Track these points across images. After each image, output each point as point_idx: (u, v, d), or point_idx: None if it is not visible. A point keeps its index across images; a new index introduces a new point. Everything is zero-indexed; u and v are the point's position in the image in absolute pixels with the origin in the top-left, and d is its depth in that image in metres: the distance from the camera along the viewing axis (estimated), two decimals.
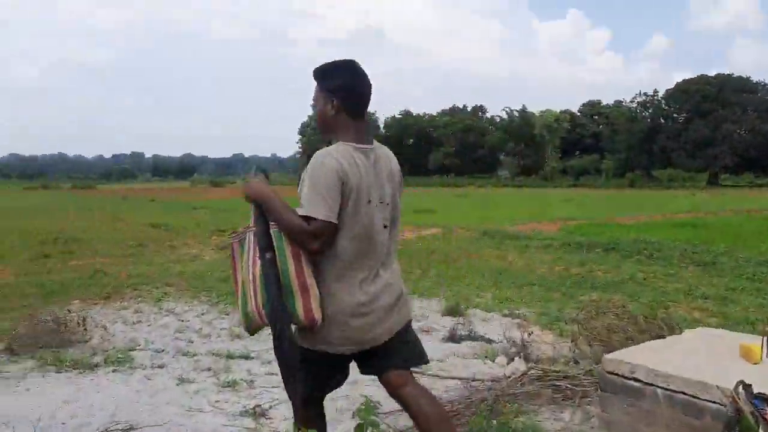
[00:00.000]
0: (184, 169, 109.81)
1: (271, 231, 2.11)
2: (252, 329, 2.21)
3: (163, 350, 4.83)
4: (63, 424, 3.41)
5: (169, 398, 3.79)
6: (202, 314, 6.05)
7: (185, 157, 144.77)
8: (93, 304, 6.62)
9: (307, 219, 2.07)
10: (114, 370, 4.33)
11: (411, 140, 72.66)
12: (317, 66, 2.26)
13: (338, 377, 2.36)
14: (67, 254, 10.85)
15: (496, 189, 48.70)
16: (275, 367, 4.34)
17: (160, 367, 4.41)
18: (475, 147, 67.78)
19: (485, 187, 51.88)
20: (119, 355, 4.61)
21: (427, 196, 31.94)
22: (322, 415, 2.45)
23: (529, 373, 3.88)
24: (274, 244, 2.09)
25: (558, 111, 65.05)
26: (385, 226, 2.23)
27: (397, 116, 74.72)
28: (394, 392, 2.31)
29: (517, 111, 65.99)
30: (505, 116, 67.84)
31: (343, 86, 2.20)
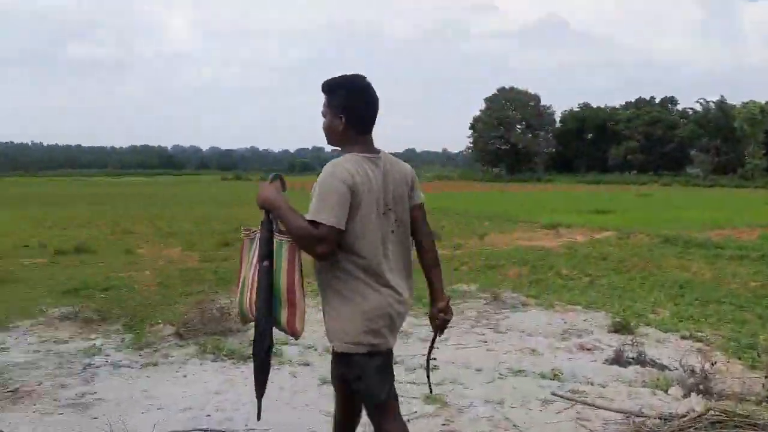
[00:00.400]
0: None
1: (274, 240, 2.19)
2: (245, 321, 2.39)
3: (311, 346, 4.87)
4: (208, 416, 3.51)
5: (308, 399, 3.77)
6: None
7: None
8: None
9: (315, 224, 2.09)
10: None
11: (590, 134, 68.94)
12: (327, 79, 2.30)
13: (392, 369, 2.36)
14: None
15: (685, 188, 44.44)
16: (421, 376, 4.19)
17: (306, 364, 4.44)
18: (662, 142, 62.32)
19: (672, 185, 47.66)
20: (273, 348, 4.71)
21: (605, 195, 30.02)
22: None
23: (707, 414, 3.28)
24: (274, 253, 2.17)
25: (764, 102, 57.72)
26: (392, 231, 2.27)
27: (576, 109, 71.22)
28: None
29: (714, 102, 59.63)
30: (699, 108, 61.62)
31: (350, 104, 2.24)
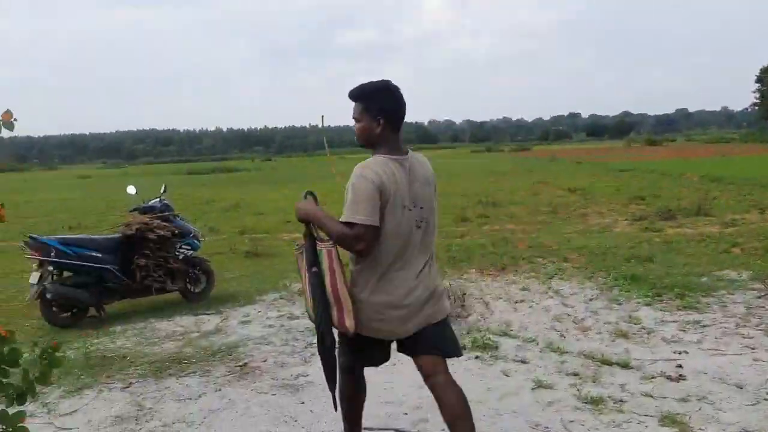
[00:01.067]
0: (621, 128, 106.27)
1: (317, 249, 2.42)
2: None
3: (532, 340, 4.41)
4: (405, 414, 3.31)
5: (517, 406, 3.35)
6: (590, 300, 5.39)
7: (622, 115, 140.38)
8: (488, 275, 6.64)
9: (350, 225, 2.28)
10: (476, 357, 4.11)
11: None
12: (355, 88, 2.48)
13: (378, 357, 2.60)
14: (484, 218, 11.41)
15: None
16: (659, 387, 3.49)
17: (523, 362, 4.00)
18: None
19: None
20: (487, 340, 4.37)
21: None
22: (361, 381, 2.72)
23: None
24: (319, 263, 2.41)
25: None
26: (418, 227, 2.42)
27: None
28: (426, 378, 2.52)
29: None
30: None
31: (387, 107, 2.44)
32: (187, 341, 4.78)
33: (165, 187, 6.36)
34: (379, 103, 2.45)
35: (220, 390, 3.76)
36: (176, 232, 5.90)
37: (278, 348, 4.52)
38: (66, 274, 5.51)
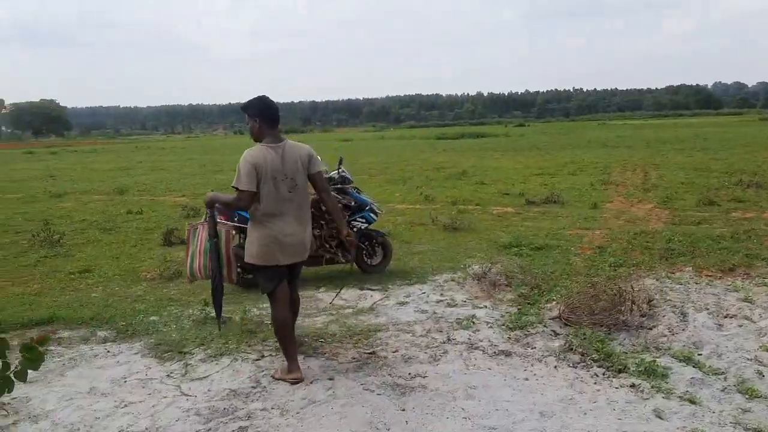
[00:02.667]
0: None
1: (217, 228, 3.79)
2: (192, 281, 4.22)
3: (720, 373, 3.42)
4: None
5: None
6: None
7: None
8: (706, 276, 5.45)
9: (237, 190, 3.49)
10: (632, 386, 3.30)
11: None
12: (244, 102, 3.65)
13: (282, 276, 3.69)
14: (737, 203, 9.53)
15: None
16: None
17: (691, 402, 3.10)
18: None
19: None
20: (655, 365, 3.50)
21: None
22: (288, 303, 3.76)
23: None
24: (218, 234, 3.77)
25: None
26: (290, 192, 3.55)
27: None
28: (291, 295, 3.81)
29: None
30: None
31: (260, 113, 3.59)
32: (337, 317, 4.72)
33: (341, 159, 6.37)
34: (255, 110, 3.58)
35: (332, 379, 3.58)
36: (351, 204, 5.88)
37: (416, 338, 4.20)
38: None
